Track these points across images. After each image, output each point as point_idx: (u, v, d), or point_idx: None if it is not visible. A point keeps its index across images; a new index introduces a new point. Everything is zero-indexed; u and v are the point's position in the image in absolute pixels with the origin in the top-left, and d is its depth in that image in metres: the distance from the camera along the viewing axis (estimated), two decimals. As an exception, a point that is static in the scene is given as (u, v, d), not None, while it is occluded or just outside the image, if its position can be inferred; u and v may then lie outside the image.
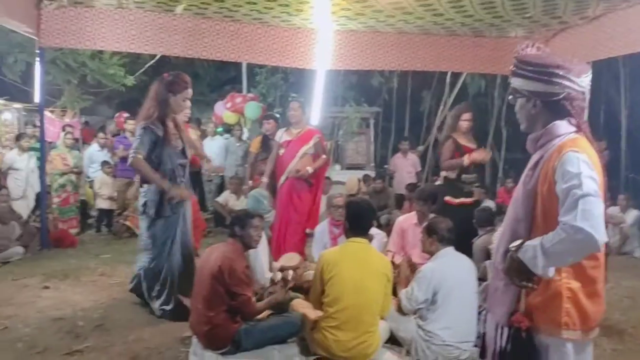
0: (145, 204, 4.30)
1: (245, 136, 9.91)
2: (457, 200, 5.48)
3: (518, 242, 1.99)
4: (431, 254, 3.87)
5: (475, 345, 3.54)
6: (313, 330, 3.49)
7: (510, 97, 2.20)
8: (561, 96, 2.02)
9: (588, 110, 2.18)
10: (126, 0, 6.44)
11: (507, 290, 2.08)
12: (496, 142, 12.63)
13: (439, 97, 12.55)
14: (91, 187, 8.97)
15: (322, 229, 5.36)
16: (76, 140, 9.41)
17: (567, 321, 1.97)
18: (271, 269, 4.53)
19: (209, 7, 6.46)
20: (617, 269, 6.18)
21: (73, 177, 8.20)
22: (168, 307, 4.38)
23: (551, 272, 1.92)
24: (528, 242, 1.95)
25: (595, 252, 1.91)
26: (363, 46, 7.39)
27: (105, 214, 8.53)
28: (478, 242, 5.23)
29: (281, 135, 5.96)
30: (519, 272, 1.96)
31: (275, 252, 5.44)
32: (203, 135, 9.82)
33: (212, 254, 3.62)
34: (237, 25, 7.08)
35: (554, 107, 2.05)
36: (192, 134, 7.04)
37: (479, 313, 3.59)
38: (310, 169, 5.73)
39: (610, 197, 7.77)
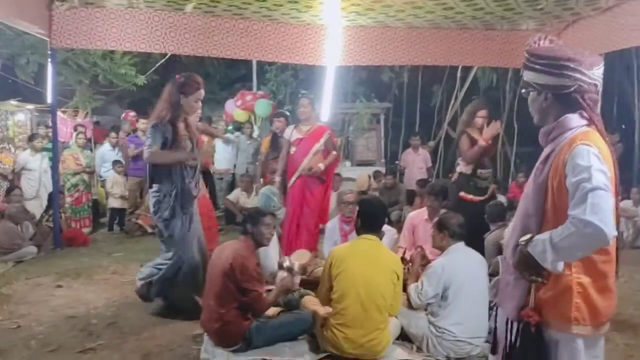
0: (157, 204, 4.26)
1: (255, 134, 9.92)
2: (475, 197, 5.44)
3: (527, 236, 1.97)
4: (442, 249, 3.85)
5: (487, 341, 3.52)
6: (323, 327, 3.49)
7: (523, 90, 2.18)
8: (572, 89, 1.99)
9: (601, 102, 2.14)
10: (136, 0, 6.46)
11: (517, 284, 2.07)
12: (508, 135, 12.51)
13: (449, 91, 12.46)
14: (103, 186, 9.03)
15: (332, 225, 5.35)
16: (88, 140, 9.49)
17: (577, 316, 1.94)
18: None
19: (219, 5, 6.48)
20: (630, 263, 6.11)
21: (85, 176, 8.28)
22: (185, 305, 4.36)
23: (560, 266, 1.90)
24: (537, 236, 1.93)
25: (605, 246, 1.88)
26: (373, 41, 7.38)
27: (117, 212, 8.59)
28: (490, 238, 5.20)
29: (291, 133, 5.91)
30: (529, 267, 1.95)
31: (287, 249, 5.43)
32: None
33: (223, 252, 3.63)
34: (246, 22, 7.09)
35: (565, 100, 2.02)
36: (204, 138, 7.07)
37: (490, 308, 3.57)
38: (322, 166, 5.71)
39: (624, 191, 7.67)
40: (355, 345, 3.34)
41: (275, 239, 4.32)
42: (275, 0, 6.16)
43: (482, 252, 4.46)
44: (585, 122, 2.01)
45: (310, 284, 4.15)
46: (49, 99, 7.41)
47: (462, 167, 5.61)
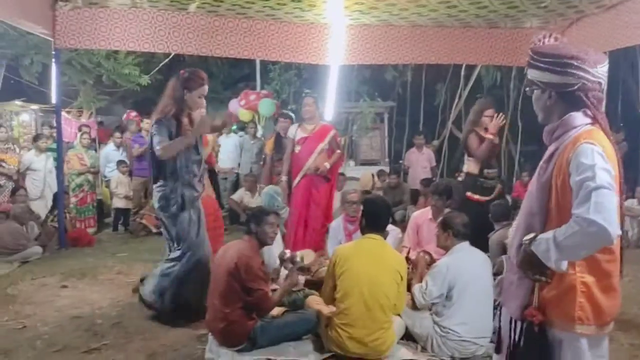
0: (162, 199, 4.20)
1: (259, 133, 9.93)
2: (481, 197, 5.44)
3: (531, 235, 1.96)
4: (446, 249, 3.85)
5: (492, 341, 3.51)
6: (327, 327, 3.49)
7: (527, 88, 2.17)
8: (576, 87, 1.98)
9: (605, 100, 2.13)
10: (140, 0, 6.47)
11: (521, 284, 2.06)
12: (512, 134, 12.48)
13: (453, 90, 12.43)
14: (107, 186, 9.06)
15: (336, 225, 5.34)
16: (93, 140, 9.51)
17: (580, 316, 1.94)
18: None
19: (222, 4, 6.48)
20: (634, 262, 6.07)
21: (90, 176, 8.29)
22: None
23: (564, 265, 1.90)
24: (541, 235, 1.92)
25: (609, 245, 1.87)
26: (376, 40, 7.36)
27: (122, 213, 8.61)
28: (494, 237, 5.18)
29: (295, 132, 5.91)
30: (532, 265, 1.94)
31: (294, 249, 5.41)
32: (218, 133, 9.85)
33: (227, 251, 3.63)
34: (250, 22, 7.09)
35: (569, 98, 2.01)
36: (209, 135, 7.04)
37: (495, 308, 3.56)
38: (327, 165, 5.71)
39: (628, 190, 7.64)
40: (360, 344, 3.34)
41: (279, 238, 4.32)
42: (278, -1, 6.17)
43: (487, 252, 4.45)
44: (589, 120, 2.00)
45: (315, 284, 4.15)
46: (53, 99, 7.43)
47: (468, 167, 5.60)
